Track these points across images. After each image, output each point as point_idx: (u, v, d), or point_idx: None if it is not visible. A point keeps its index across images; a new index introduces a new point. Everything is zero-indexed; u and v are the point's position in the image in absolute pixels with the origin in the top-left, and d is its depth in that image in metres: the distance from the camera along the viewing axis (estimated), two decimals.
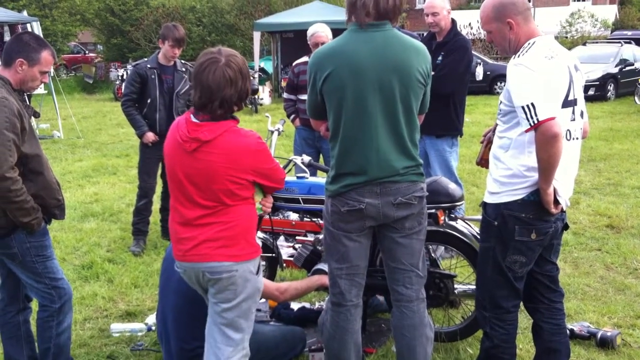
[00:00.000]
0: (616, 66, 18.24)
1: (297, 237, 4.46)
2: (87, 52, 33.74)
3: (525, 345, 3.74)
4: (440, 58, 5.07)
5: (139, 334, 4.08)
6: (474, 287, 3.56)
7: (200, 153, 2.68)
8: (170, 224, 2.85)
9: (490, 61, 20.63)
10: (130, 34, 26.83)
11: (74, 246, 5.88)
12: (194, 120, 2.71)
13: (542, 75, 2.80)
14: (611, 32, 27.41)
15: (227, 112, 2.70)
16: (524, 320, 3.70)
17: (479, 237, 3.41)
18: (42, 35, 10.90)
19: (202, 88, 2.65)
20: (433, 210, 3.62)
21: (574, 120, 2.97)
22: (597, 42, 21.61)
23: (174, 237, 2.84)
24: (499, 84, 19.44)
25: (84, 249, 5.81)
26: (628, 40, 20.52)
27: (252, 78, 17.36)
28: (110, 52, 28.88)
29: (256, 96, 16.71)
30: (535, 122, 2.74)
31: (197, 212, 2.73)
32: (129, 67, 16.73)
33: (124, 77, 17.46)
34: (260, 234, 4.19)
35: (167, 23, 5.77)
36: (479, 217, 3.22)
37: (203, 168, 2.68)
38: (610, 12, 30.89)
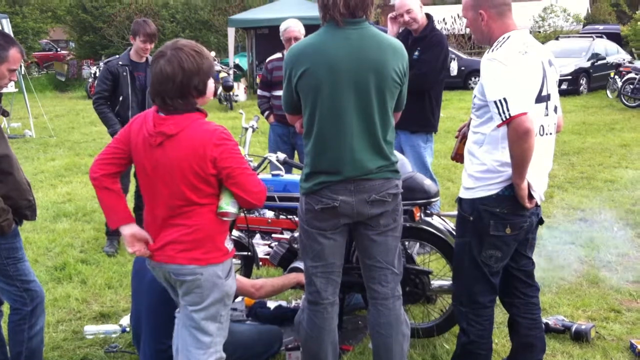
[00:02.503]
0: (588, 60, 18.45)
1: (273, 235, 4.44)
2: (58, 49, 33.25)
3: (501, 340, 3.77)
4: (416, 53, 5.06)
5: (113, 335, 4.02)
6: (450, 282, 3.56)
7: (166, 147, 2.63)
8: (144, 222, 2.81)
9: (464, 56, 20.76)
10: (102, 30, 26.53)
11: (46, 247, 5.79)
12: (159, 114, 2.67)
13: (515, 70, 2.81)
14: (583, 27, 27.72)
15: (183, 105, 2.63)
16: (500, 314, 3.72)
17: (454, 232, 3.41)
18: (12, 33, 10.71)
19: (150, 82, 2.67)
20: (409, 207, 3.61)
21: (547, 115, 2.99)
22: (569, 37, 21.85)
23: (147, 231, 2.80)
24: (473, 79, 19.57)
25: (57, 249, 5.72)
26: (600, 35, 20.76)
27: (226, 74, 17.35)
28: (82, 50, 28.53)
29: (231, 93, 16.61)
30: (507, 117, 2.75)
31: (163, 211, 2.69)
32: (102, 64, 16.55)
33: (97, 74, 17.26)
34: (235, 232, 4.16)
35: (138, 19, 5.70)
36: (455, 212, 3.22)
37: (168, 162, 2.63)
38: (582, 7, 31.20)
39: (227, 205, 2.71)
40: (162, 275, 2.81)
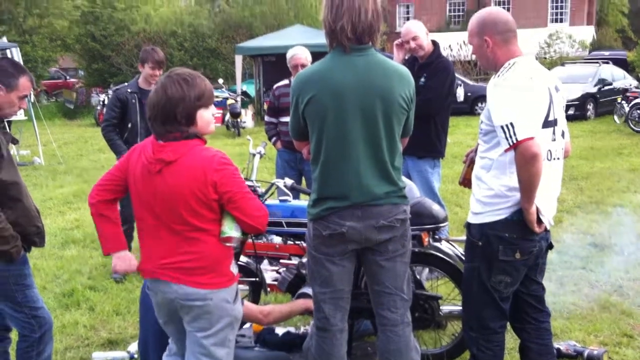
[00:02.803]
0: (595, 86, 18.48)
1: (281, 261, 4.43)
2: (67, 77, 33.58)
3: None
4: (423, 79, 5.08)
5: None
6: (460, 307, 3.54)
7: (165, 174, 2.64)
8: (140, 244, 2.81)
9: (471, 82, 20.83)
10: (111, 59, 26.79)
11: (54, 274, 5.78)
12: (158, 141, 2.68)
13: (522, 96, 2.82)
14: (589, 53, 27.84)
15: (175, 131, 2.64)
16: (511, 340, 3.68)
17: (463, 257, 3.40)
18: (22, 61, 10.82)
19: None
20: (417, 232, 3.60)
21: (554, 140, 2.99)
22: (575, 63, 21.92)
23: (144, 256, 2.79)
24: (479, 104, 19.61)
25: (65, 276, 5.72)
26: (606, 60, 20.84)
27: (234, 101, 17.45)
28: (91, 77, 28.78)
29: (239, 119, 16.70)
30: (514, 141, 2.75)
31: (166, 239, 2.69)
32: (110, 92, 16.69)
33: (105, 102, 17.41)
34: (243, 258, 4.15)
35: (146, 47, 5.77)
36: (464, 237, 3.21)
37: (167, 189, 2.64)
38: (587, 33, 31.38)
39: (231, 230, 2.71)
40: (162, 299, 2.77)
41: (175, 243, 2.69)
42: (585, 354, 3.82)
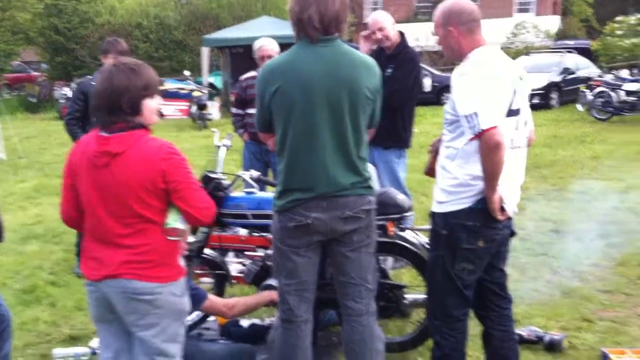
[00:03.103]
0: (559, 75, 18.75)
1: (246, 253, 4.40)
2: (30, 70, 32.93)
3: (475, 352, 3.76)
4: (390, 70, 5.09)
5: (83, 358, 3.93)
6: (424, 296, 3.56)
7: (112, 167, 2.59)
8: (85, 242, 2.74)
9: (437, 73, 20.95)
10: (75, 51, 26.35)
11: (14, 270, 5.67)
12: (102, 134, 2.63)
13: (485, 85, 2.84)
14: (554, 42, 28.21)
15: (117, 122, 2.60)
16: (474, 327, 3.72)
17: (428, 246, 3.42)
18: None
19: None
20: (382, 222, 3.61)
21: (517, 129, 3.02)
22: (540, 52, 22.21)
23: (89, 255, 2.71)
24: (446, 94, 19.74)
25: (26, 272, 5.61)
26: (570, 50, 21.15)
27: (200, 93, 17.30)
28: (54, 71, 28.26)
29: (205, 111, 16.56)
30: (478, 131, 2.77)
31: (113, 232, 2.63)
32: (74, 85, 16.42)
33: (69, 95, 17.10)
34: (208, 251, 4.12)
35: (110, 38, 5.67)
36: (429, 226, 3.23)
37: (115, 182, 2.58)
38: (553, 23, 31.78)
39: (175, 222, 2.66)
40: (104, 297, 2.68)
41: (123, 238, 2.62)
42: (546, 339, 3.88)
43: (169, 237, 2.67)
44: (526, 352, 3.80)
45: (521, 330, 3.95)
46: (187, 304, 2.77)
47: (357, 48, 4.14)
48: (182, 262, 2.77)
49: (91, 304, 2.78)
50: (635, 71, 17.08)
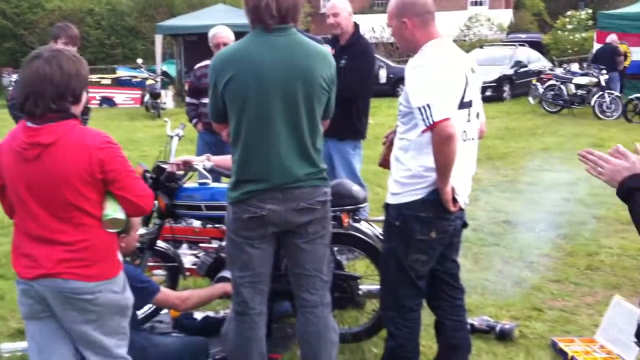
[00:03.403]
0: (511, 68, 19.07)
1: (200, 245, 4.36)
2: None
3: (428, 342, 3.80)
4: (343, 61, 5.09)
5: None
6: (378, 286, 3.58)
7: (44, 158, 2.47)
8: (16, 238, 2.61)
9: (393, 64, 21.08)
10: (24, 37, 25.63)
11: None
12: (30, 125, 2.51)
13: (438, 77, 2.86)
14: (507, 35, 28.68)
15: (57, 111, 2.49)
16: (427, 317, 3.76)
17: (382, 237, 3.44)
18: None
19: (21, 84, 2.53)
20: (337, 213, 3.62)
21: (469, 121, 3.05)
22: (493, 45, 22.55)
23: (21, 252, 2.58)
24: (401, 86, 19.82)
25: None
26: (522, 43, 21.54)
27: (153, 82, 17.02)
28: (2, 57, 27.43)
29: (159, 100, 16.31)
30: (431, 122, 2.79)
31: (48, 229, 2.51)
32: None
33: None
34: (161, 243, 4.06)
35: (60, 23, 5.53)
36: (383, 217, 3.24)
37: (48, 175, 2.47)
38: (505, 16, 32.33)
39: (115, 212, 2.56)
40: (38, 295, 2.55)
41: (57, 234, 2.51)
42: (498, 328, 3.95)
43: (108, 230, 2.58)
44: (478, 341, 3.86)
45: (473, 320, 4.01)
46: (129, 299, 2.69)
47: (313, 39, 4.13)
48: (120, 256, 2.70)
49: (22, 302, 2.63)
50: (585, 65, 17.49)
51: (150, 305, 3.87)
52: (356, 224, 3.80)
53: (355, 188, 3.83)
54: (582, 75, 15.69)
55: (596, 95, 14.50)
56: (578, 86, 15.19)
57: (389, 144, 3.40)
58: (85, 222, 2.52)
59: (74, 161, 2.47)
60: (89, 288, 2.52)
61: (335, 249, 3.92)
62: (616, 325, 3.75)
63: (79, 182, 2.48)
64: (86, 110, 5.00)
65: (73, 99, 2.53)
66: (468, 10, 32.30)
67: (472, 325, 3.90)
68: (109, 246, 2.61)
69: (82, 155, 2.47)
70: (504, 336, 3.91)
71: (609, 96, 14.35)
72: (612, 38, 16.07)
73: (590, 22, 26.33)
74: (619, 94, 14.74)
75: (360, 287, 3.85)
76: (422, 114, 2.82)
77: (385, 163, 3.42)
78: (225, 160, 3.67)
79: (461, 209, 3.11)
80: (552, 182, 8.13)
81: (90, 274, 2.53)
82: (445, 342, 3.34)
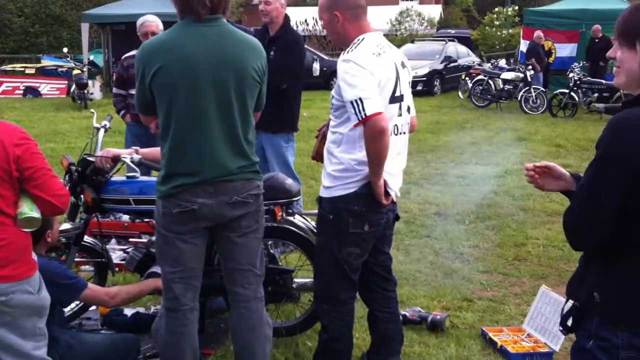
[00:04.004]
0: (441, 63, 19.43)
1: (130, 240, 4.25)
2: None
3: (361, 334, 3.83)
4: (272, 53, 5.06)
5: None
6: (312, 280, 3.58)
7: None
8: None
9: (326, 57, 21.11)
10: None
11: None
12: None
13: (370, 71, 2.87)
14: (437, 30, 29.23)
15: None
16: (360, 309, 3.79)
17: (316, 231, 3.43)
18: None
19: None
20: (270, 207, 3.59)
21: (401, 115, 3.07)
22: (424, 40, 22.93)
23: None
24: (334, 79, 19.84)
25: None
26: (452, 38, 21.99)
27: (80, 72, 16.51)
28: None
29: (85, 91, 15.82)
30: (363, 116, 2.80)
31: None
32: None
33: None
34: (88, 238, 3.93)
35: None
36: (317, 211, 3.24)
37: None
38: (435, 12, 32.97)
39: (31, 211, 2.48)
40: None
41: None
42: (429, 319, 4.01)
43: (23, 229, 2.49)
44: (410, 332, 3.91)
45: (405, 311, 4.06)
46: (45, 299, 2.60)
47: (245, 30, 4.08)
48: (34, 256, 2.60)
49: None
50: (512, 61, 18.03)
51: (77, 302, 3.75)
52: (290, 218, 3.78)
53: (289, 181, 3.82)
54: (508, 70, 16.17)
55: (522, 91, 14.95)
56: (505, 81, 15.63)
57: (322, 137, 3.40)
58: (1, 220, 2.41)
59: None
60: (2, 289, 2.43)
61: (269, 242, 3.90)
62: (543, 315, 3.87)
63: None
64: None
65: None
66: (399, 5, 32.74)
67: (404, 316, 3.96)
68: (24, 245, 2.51)
69: None
70: (435, 327, 3.97)
71: (535, 91, 14.83)
72: (537, 35, 16.60)
73: (516, 19, 27.16)
74: (544, 89, 15.25)
75: (295, 280, 3.84)
76: (354, 108, 2.82)
77: (318, 156, 3.42)
78: (154, 152, 3.58)
79: (393, 202, 3.14)
80: (481, 175, 8.34)
81: (4, 274, 2.43)
82: (378, 334, 3.37)
